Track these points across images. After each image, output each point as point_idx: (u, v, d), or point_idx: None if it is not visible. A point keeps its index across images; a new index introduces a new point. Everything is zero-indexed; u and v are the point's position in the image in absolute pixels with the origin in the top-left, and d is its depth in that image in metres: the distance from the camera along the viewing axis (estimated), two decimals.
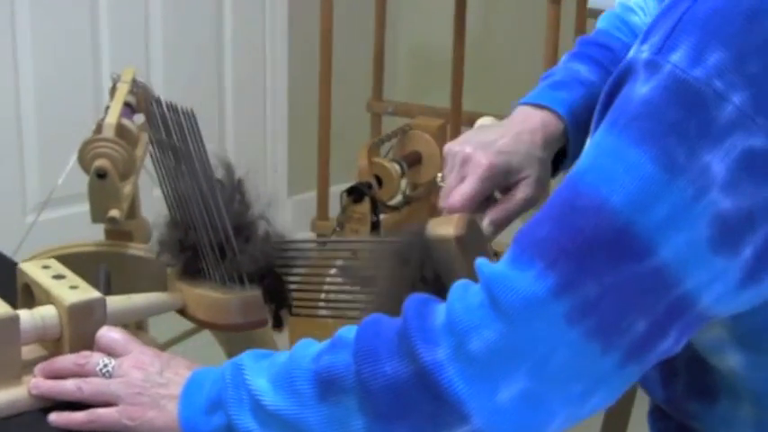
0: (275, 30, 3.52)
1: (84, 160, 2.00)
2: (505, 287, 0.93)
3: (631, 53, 0.95)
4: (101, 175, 1.97)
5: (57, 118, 3.06)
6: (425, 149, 2.89)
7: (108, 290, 1.26)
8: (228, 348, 1.92)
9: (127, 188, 2.06)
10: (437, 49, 3.23)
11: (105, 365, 1.11)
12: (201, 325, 1.24)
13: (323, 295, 1.23)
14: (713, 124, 0.89)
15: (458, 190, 1.19)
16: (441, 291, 1.01)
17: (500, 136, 1.21)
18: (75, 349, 1.15)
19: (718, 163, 0.89)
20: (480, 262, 0.97)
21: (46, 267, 1.21)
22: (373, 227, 2.56)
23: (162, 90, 3.29)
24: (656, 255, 0.91)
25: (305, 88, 3.46)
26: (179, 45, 3.33)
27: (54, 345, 1.17)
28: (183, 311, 1.25)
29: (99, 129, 1.94)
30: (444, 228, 1.10)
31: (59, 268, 1.21)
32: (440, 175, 1.24)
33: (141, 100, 2.17)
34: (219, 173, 1.26)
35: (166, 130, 1.22)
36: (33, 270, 1.21)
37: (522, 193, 1.20)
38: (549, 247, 0.92)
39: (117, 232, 2.10)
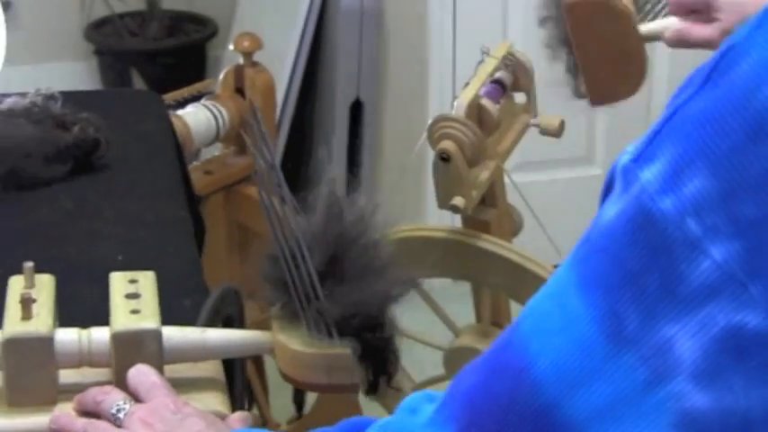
0: None
1: (431, 139, 1.84)
2: None
3: None
4: (444, 158, 1.80)
5: None
6: None
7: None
8: None
9: (482, 174, 1.87)
10: None
11: (119, 410, 0.97)
12: (285, 379, 1.03)
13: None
14: (681, 284, 0.59)
15: None
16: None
17: None
18: (121, 381, 1.02)
19: (686, 340, 0.59)
20: (401, 406, 0.75)
21: (132, 282, 1.07)
22: None
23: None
24: None
25: None
26: None
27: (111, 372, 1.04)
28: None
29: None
30: None
31: (145, 285, 1.06)
32: None
33: (519, 77, 1.95)
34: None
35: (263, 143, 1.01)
36: (115, 282, 1.07)
37: None
38: (465, 406, 0.68)
39: (473, 221, 1.92)
